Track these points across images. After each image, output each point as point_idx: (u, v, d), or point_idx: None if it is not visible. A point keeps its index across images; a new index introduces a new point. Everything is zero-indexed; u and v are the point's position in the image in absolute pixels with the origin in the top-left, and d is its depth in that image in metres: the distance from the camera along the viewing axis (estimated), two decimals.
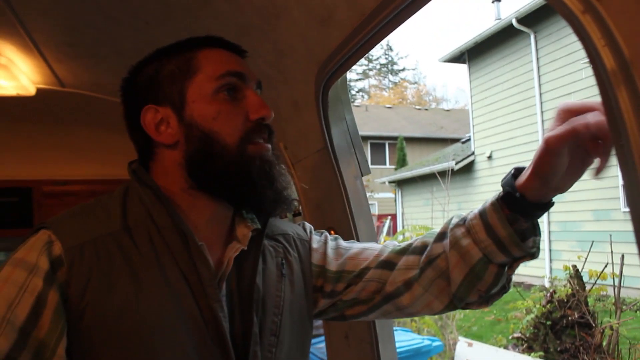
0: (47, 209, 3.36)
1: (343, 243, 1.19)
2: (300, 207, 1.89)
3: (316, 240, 1.18)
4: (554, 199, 0.92)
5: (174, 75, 0.98)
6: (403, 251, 1.09)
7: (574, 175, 0.86)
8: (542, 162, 0.85)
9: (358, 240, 1.52)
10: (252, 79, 1.02)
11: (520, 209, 0.90)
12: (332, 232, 1.65)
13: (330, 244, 1.18)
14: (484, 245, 0.94)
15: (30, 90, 2.40)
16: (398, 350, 4.14)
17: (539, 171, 0.86)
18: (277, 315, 1.01)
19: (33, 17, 1.67)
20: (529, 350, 4.91)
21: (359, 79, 50.33)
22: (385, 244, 1.15)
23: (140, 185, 0.97)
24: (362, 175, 1.57)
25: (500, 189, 0.94)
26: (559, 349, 4.74)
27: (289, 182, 1.01)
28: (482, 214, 0.95)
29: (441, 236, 1.03)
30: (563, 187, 0.88)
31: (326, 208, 1.70)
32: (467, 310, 8.73)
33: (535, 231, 0.93)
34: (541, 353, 4.70)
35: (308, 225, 1.22)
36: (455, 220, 1.02)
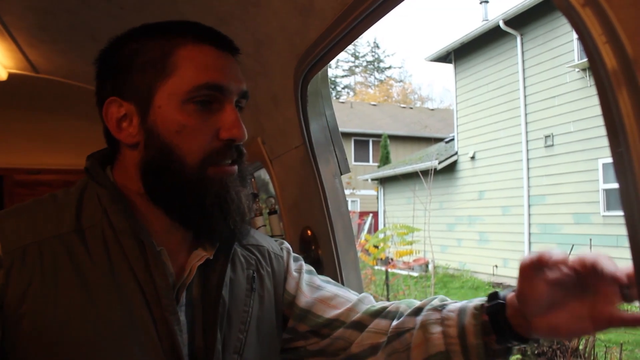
0: (19, 199, 3.28)
1: (317, 280, 1.13)
2: (276, 205, 1.83)
3: (293, 267, 1.12)
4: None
5: (146, 70, 0.87)
6: (376, 314, 1.05)
7: (568, 321, 0.76)
8: (518, 282, 0.81)
9: (334, 242, 1.47)
10: (234, 91, 0.90)
11: (499, 328, 0.86)
12: (309, 232, 1.59)
13: (305, 277, 1.12)
14: (450, 342, 0.91)
15: (2, 75, 2.33)
16: None
17: (518, 292, 0.82)
18: (242, 332, 0.95)
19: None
20: None
21: (345, 76, 50.41)
22: (360, 298, 1.10)
23: (96, 183, 0.89)
24: (342, 174, 1.52)
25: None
26: (536, 352, 4.75)
27: (244, 210, 0.91)
28: (461, 313, 0.92)
29: (416, 311, 0.99)
30: (555, 330, 0.79)
31: (303, 207, 1.64)
32: None
33: (506, 356, 0.89)
34: (518, 356, 4.70)
35: (286, 245, 1.16)
36: (435, 303, 0.98)
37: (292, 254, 1.15)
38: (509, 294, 0.86)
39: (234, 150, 0.89)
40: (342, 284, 1.48)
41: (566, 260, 0.75)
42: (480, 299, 0.92)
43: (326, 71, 1.44)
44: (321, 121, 1.49)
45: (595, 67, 0.59)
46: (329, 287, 1.12)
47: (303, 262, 1.16)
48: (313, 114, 1.46)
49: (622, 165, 0.58)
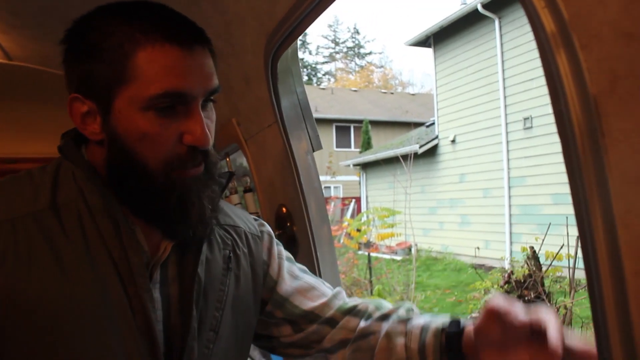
0: None
1: (296, 269, 1.16)
2: (251, 184, 1.85)
3: (276, 252, 1.14)
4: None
5: (105, 71, 0.82)
6: (347, 311, 1.11)
7: None
8: (479, 318, 0.87)
9: (308, 218, 1.50)
10: (200, 94, 0.85)
11: (452, 353, 0.94)
12: (284, 209, 1.62)
13: (286, 264, 1.15)
14: (410, 355, 0.98)
15: None
16: None
17: (476, 326, 0.88)
18: (218, 310, 0.97)
19: None
20: None
21: (325, 62, 50.28)
22: (334, 293, 1.14)
23: (70, 162, 0.89)
24: (314, 151, 1.54)
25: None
26: None
27: (205, 213, 0.91)
28: (424, 330, 0.99)
29: (383, 317, 1.07)
30: None
31: (277, 185, 1.67)
32: (428, 292, 8.75)
33: None
34: None
35: (268, 229, 1.17)
36: (402, 313, 1.06)
37: (275, 239, 1.17)
38: (469, 324, 0.93)
39: (198, 154, 0.87)
40: (317, 258, 1.52)
41: (523, 315, 0.80)
42: (442, 320, 0.99)
43: (296, 48, 1.46)
44: (292, 98, 1.51)
45: (536, 30, 0.63)
46: (306, 277, 1.16)
47: (282, 249, 1.18)
48: (284, 92, 1.48)
49: (562, 120, 0.62)
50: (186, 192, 0.87)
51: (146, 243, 0.89)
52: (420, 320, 1.01)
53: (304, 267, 1.19)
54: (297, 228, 1.57)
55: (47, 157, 3.03)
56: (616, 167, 0.57)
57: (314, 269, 1.50)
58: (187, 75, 0.83)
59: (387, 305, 1.11)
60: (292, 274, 1.14)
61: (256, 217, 1.19)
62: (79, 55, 0.86)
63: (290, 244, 1.58)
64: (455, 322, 0.96)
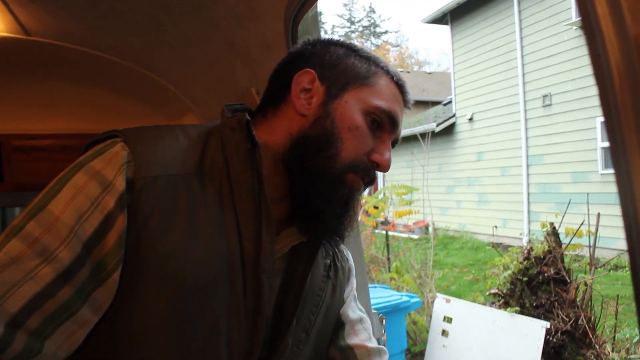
0: (17, 164, 3.28)
1: (355, 306, 1.20)
2: None
3: (353, 282, 1.20)
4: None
5: (350, 70, 0.96)
6: None
7: None
8: None
9: None
10: (397, 132, 1.00)
11: None
12: None
13: (353, 298, 1.19)
14: None
15: None
16: (377, 305, 4.19)
17: None
18: (313, 314, 1.01)
19: None
20: (506, 305, 4.95)
21: None
22: (380, 349, 1.15)
23: (234, 134, 0.91)
24: None
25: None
26: (534, 304, 4.79)
27: (353, 223, 0.98)
28: None
29: None
30: None
31: None
32: (446, 270, 8.75)
33: None
34: (517, 308, 4.75)
35: (351, 258, 1.22)
36: None
37: (353, 271, 1.22)
38: None
39: (372, 173, 0.96)
40: None
41: None
42: None
43: (316, 12, 1.43)
44: None
45: None
46: (361, 315, 1.19)
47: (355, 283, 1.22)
48: None
49: (599, 65, 0.59)
50: (351, 195, 0.95)
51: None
52: None
53: (362, 308, 1.23)
54: None
55: (67, 133, 3.05)
56: None
57: None
58: (400, 113, 0.99)
59: None
60: (352, 308, 1.18)
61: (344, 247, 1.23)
62: (330, 56, 0.98)
63: None
64: None
